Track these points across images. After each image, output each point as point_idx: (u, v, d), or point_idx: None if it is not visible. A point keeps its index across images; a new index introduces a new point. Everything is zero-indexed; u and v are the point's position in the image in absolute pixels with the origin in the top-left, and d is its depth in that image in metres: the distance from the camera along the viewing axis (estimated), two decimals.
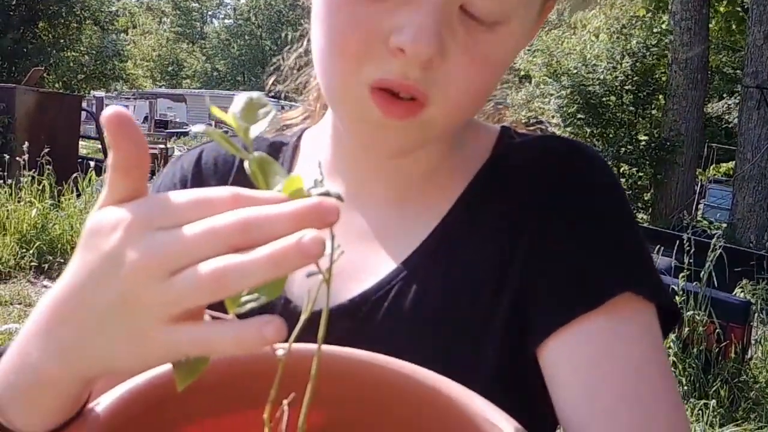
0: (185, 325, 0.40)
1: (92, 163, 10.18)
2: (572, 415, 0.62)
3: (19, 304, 5.87)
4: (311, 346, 0.45)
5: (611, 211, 0.69)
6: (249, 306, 0.41)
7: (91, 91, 20.24)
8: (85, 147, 13.53)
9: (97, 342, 0.42)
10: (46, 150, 8.08)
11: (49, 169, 8.02)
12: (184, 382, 0.42)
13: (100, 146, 12.00)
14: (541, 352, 0.65)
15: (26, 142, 8.02)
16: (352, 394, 0.52)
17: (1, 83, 11.51)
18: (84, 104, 12.57)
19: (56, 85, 16.07)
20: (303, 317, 0.43)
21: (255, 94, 0.46)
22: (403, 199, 0.74)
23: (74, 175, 8.53)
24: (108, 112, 0.42)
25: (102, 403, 0.48)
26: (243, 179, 0.75)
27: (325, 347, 0.49)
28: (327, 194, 0.42)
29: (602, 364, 0.62)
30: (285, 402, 0.46)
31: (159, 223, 0.41)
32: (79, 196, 8.24)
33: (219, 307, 0.42)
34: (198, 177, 0.81)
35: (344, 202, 0.75)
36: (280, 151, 0.82)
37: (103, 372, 0.44)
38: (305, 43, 0.85)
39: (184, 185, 0.80)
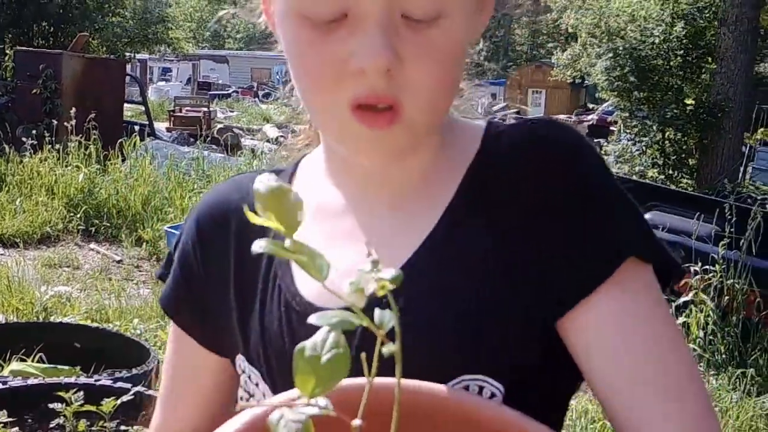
0: None
1: (137, 127, 10.33)
2: (601, 377, 0.70)
3: (68, 267, 6.05)
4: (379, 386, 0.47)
5: (601, 187, 0.73)
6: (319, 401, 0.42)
7: (135, 55, 20.46)
8: (129, 110, 13.72)
9: None
10: (92, 115, 8.24)
11: (95, 134, 8.18)
12: None
13: (143, 109, 12.16)
14: (564, 326, 0.71)
15: (73, 108, 8.19)
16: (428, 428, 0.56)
17: (47, 49, 11.70)
18: (128, 68, 12.73)
19: (101, 50, 16.24)
20: (367, 389, 0.45)
21: (273, 182, 0.45)
22: (399, 207, 0.78)
23: (120, 139, 8.69)
24: None
25: None
26: (243, 227, 0.80)
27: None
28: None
29: (622, 326, 0.69)
30: None
31: None
32: (124, 160, 8.39)
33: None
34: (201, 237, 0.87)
35: (342, 210, 0.79)
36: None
37: None
38: None
39: (194, 247, 0.87)
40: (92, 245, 6.82)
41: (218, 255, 0.84)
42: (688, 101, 12.31)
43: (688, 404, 0.68)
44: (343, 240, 0.77)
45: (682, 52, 12.22)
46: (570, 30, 15.51)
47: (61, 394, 2.57)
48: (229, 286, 0.83)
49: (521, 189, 0.73)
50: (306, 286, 0.76)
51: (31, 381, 2.81)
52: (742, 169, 12.95)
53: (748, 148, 13.88)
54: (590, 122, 20.39)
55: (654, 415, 0.67)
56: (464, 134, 0.80)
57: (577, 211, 0.72)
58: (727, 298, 4.79)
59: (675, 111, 12.02)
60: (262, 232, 0.79)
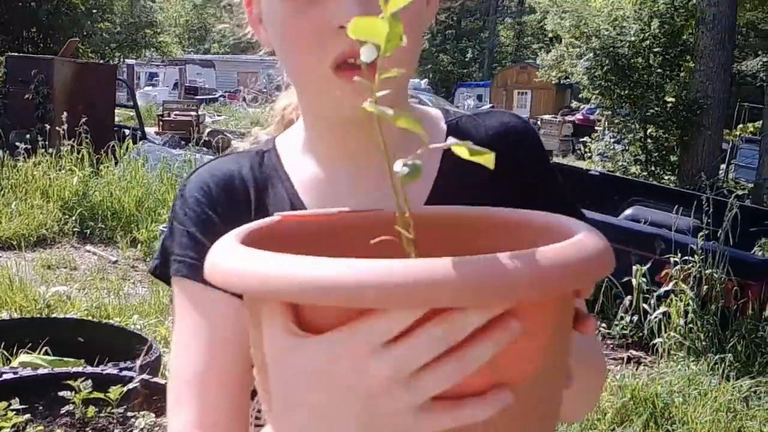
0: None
1: (127, 132, 10.43)
2: None
3: (65, 267, 6.16)
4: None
5: (546, 159, 0.96)
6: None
7: (124, 60, 20.53)
8: (117, 114, 13.79)
9: None
10: (84, 119, 8.33)
11: (87, 138, 8.29)
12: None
13: (132, 114, 12.23)
14: None
15: (65, 112, 8.28)
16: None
17: (37, 55, 11.78)
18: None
19: (90, 55, 16.32)
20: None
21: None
22: (386, 176, 0.90)
23: (111, 143, 8.79)
24: None
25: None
26: (263, 189, 0.91)
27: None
28: None
29: None
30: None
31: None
32: (116, 163, 8.50)
33: None
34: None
35: (336, 180, 0.92)
36: (264, 156, 0.95)
37: None
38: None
39: (210, 209, 0.90)
40: (88, 247, 6.93)
41: (236, 216, 0.86)
42: (669, 99, 12.52)
43: None
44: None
45: (660, 50, 12.44)
46: (551, 34, 15.71)
47: (69, 382, 2.70)
48: None
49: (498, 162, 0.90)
50: None
51: (41, 371, 2.90)
52: (724, 165, 13.14)
53: (731, 146, 14.07)
54: (573, 121, 20.57)
55: None
56: (427, 114, 0.96)
57: (541, 178, 0.92)
58: (706, 287, 4.91)
59: (656, 109, 12.23)
60: (278, 196, 0.91)
